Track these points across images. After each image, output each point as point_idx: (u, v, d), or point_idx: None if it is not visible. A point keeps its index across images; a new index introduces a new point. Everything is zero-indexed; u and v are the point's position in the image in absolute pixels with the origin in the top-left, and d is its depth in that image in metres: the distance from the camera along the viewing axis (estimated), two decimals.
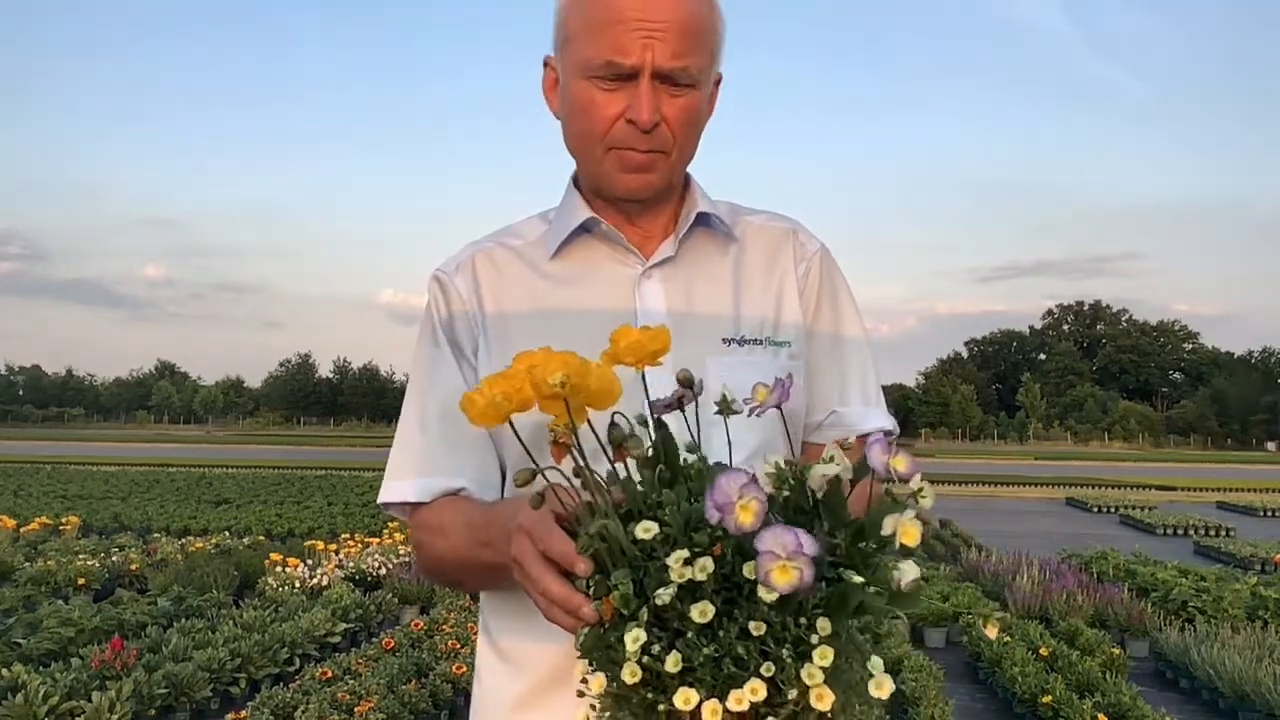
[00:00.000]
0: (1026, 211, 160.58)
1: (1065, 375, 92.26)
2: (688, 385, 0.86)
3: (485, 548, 1.03)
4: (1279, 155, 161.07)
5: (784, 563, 0.68)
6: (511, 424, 0.83)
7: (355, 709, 4.69)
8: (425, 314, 1.22)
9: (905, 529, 0.73)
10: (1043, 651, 6.26)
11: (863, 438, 1.18)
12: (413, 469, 1.16)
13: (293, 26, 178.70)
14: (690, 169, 1.24)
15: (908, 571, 0.72)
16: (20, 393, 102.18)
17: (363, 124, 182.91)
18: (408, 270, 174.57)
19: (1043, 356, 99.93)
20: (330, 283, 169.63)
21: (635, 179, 1.14)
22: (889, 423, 1.22)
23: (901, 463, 0.73)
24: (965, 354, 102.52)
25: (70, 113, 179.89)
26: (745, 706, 0.70)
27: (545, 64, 1.20)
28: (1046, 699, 5.23)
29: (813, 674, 0.71)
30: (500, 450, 1.17)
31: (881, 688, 0.72)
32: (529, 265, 1.20)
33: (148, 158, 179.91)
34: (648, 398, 0.85)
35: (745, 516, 0.71)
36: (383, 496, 1.17)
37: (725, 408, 0.87)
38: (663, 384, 0.89)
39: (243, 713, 4.68)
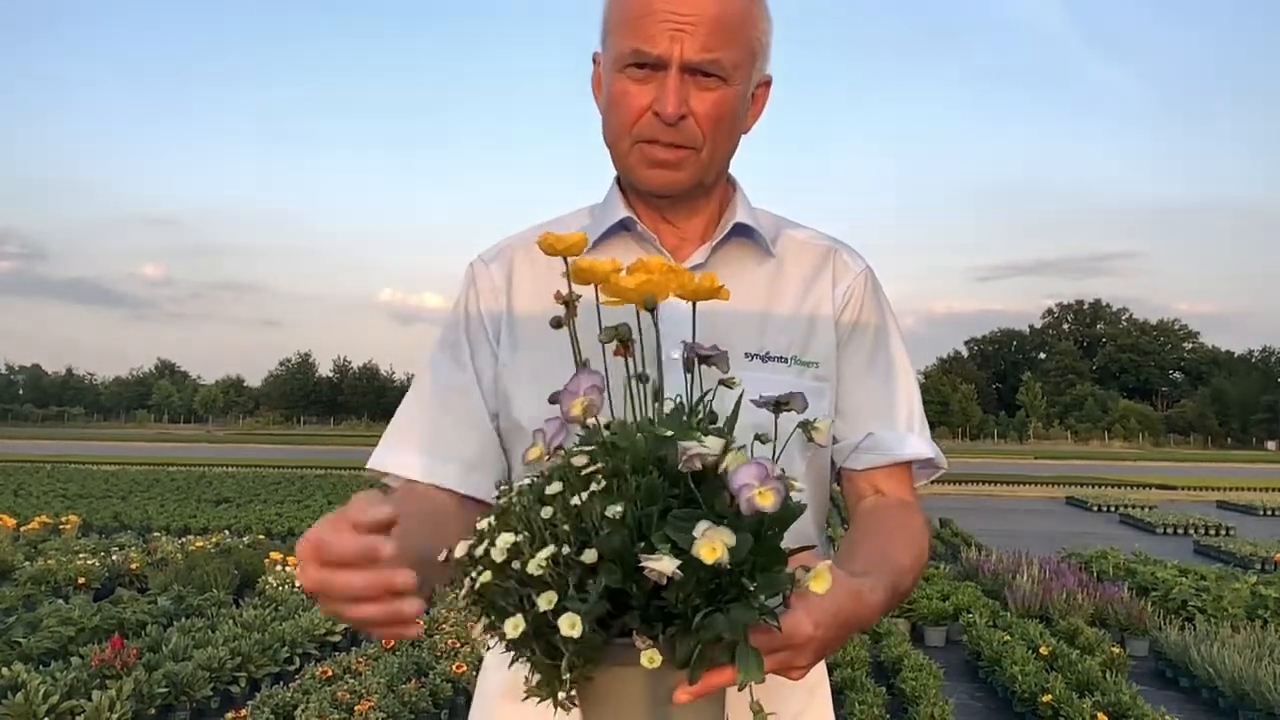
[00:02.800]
0: (1026, 211, 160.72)
1: (1065, 374, 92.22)
2: (624, 340, 0.85)
3: None
4: (1279, 155, 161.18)
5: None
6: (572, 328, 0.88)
7: (355, 708, 4.69)
8: (457, 297, 1.24)
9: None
10: (1043, 650, 6.26)
11: (903, 464, 1.18)
12: (394, 441, 1.18)
13: (291, 25, 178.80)
14: (737, 176, 1.23)
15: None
16: (20, 392, 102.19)
17: (362, 123, 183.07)
18: (407, 270, 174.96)
19: (1043, 356, 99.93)
20: (330, 282, 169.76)
21: (660, 174, 1.12)
22: (930, 450, 1.18)
23: (768, 499, 0.70)
24: (965, 353, 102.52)
25: (69, 111, 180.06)
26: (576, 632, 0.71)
27: (594, 60, 1.20)
28: (1046, 698, 5.22)
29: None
30: (509, 440, 1.18)
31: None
32: (563, 261, 1.20)
33: (147, 157, 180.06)
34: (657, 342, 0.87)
35: (577, 409, 0.77)
36: (370, 463, 1.18)
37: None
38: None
39: (243, 712, 4.67)
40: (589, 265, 0.85)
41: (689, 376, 0.84)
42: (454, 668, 5.43)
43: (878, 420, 1.17)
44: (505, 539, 0.75)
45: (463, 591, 0.79)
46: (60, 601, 7.25)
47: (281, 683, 5.47)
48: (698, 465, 0.73)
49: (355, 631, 7.04)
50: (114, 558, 9.11)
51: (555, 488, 0.77)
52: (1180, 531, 16.11)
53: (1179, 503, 22.15)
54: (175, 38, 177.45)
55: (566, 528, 0.74)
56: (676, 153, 1.10)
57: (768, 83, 1.19)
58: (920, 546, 1.09)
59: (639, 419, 0.81)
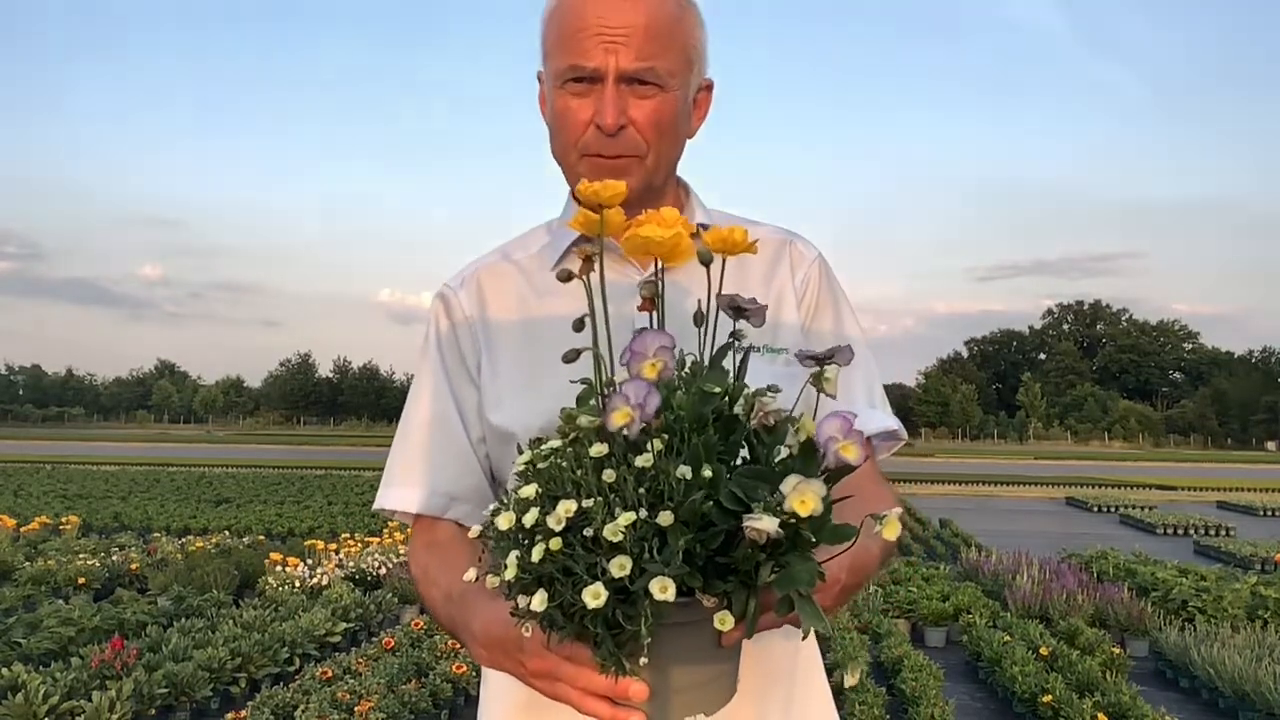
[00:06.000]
0: (1026, 211, 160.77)
1: (1065, 375, 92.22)
2: (650, 300, 0.88)
3: (456, 630, 1.06)
4: (1279, 155, 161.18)
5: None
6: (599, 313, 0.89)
7: (355, 708, 4.69)
8: (427, 328, 1.25)
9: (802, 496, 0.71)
10: (1043, 651, 6.26)
11: (868, 438, 1.20)
12: (398, 478, 1.20)
13: (290, 27, 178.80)
14: (689, 180, 1.25)
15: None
16: (20, 393, 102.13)
17: (361, 123, 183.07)
18: (406, 269, 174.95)
19: (1043, 356, 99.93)
20: (330, 283, 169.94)
21: None
22: (894, 423, 1.22)
23: (851, 451, 0.71)
24: (965, 353, 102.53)
25: (68, 112, 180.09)
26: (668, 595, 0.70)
27: (538, 78, 1.22)
28: (1046, 698, 5.22)
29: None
30: (497, 462, 1.19)
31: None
32: (529, 279, 1.22)
33: (146, 157, 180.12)
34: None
35: (649, 371, 0.76)
36: (375, 503, 1.22)
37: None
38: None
39: (243, 712, 4.67)
40: (620, 220, 0.88)
41: (701, 331, 0.86)
42: (454, 668, 5.43)
43: (844, 399, 1.19)
44: (567, 505, 0.73)
45: (509, 569, 0.75)
46: (60, 602, 7.26)
47: (281, 683, 5.46)
48: (771, 422, 0.74)
49: (355, 632, 7.05)
50: (114, 558, 9.11)
51: (600, 449, 0.76)
52: (1180, 532, 16.11)
53: (1179, 503, 22.15)
54: (175, 38, 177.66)
55: (642, 490, 0.73)
56: (621, 161, 1.12)
57: (709, 86, 1.22)
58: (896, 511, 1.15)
59: (683, 376, 0.82)
